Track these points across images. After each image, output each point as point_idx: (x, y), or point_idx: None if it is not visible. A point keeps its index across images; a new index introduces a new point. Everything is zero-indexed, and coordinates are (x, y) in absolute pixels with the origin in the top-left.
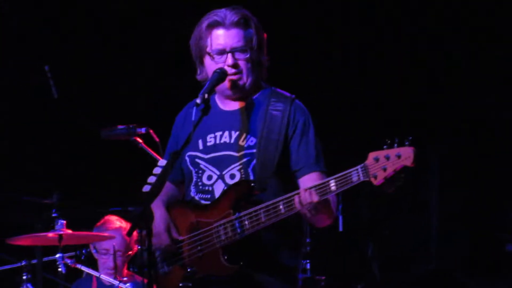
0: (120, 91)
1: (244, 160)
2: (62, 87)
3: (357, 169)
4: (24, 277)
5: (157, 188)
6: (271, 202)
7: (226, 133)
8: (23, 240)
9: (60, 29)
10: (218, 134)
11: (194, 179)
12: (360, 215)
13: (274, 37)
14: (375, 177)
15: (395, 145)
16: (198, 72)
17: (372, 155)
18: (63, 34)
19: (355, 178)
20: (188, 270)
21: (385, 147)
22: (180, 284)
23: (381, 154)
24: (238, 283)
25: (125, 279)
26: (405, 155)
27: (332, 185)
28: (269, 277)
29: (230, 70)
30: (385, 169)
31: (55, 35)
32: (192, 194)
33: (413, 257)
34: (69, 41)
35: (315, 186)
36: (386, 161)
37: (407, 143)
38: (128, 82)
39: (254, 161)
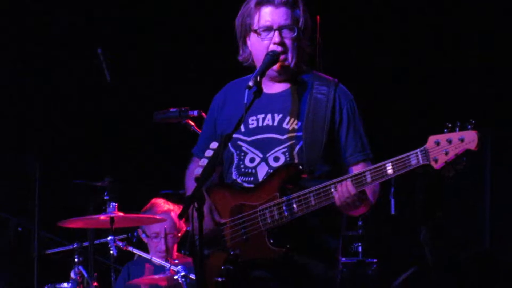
0: (170, 75)
1: (289, 143)
2: (114, 70)
3: (416, 153)
4: (76, 260)
5: (208, 171)
6: (322, 185)
7: (269, 115)
8: (75, 223)
9: (112, 12)
10: (261, 116)
11: (236, 162)
12: (413, 198)
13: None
14: (436, 161)
15: (457, 129)
16: (241, 52)
17: (432, 139)
18: (115, 18)
19: (414, 162)
20: (231, 253)
21: (446, 130)
22: (223, 267)
23: (442, 137)
24: (283, 266)
25: (176, 261)
26: (468, 138)
27: (389, 168)
28: (313, 259)
29: (276, 48)
30: (447, 153)
31: (107, 19)
32: (233, 176)
33: (466, 240)
34: (120, 23)
35: (369, 170)
36: (448, 145)
37: (469, 126)
38: (180, 65)
39: (300, 144)
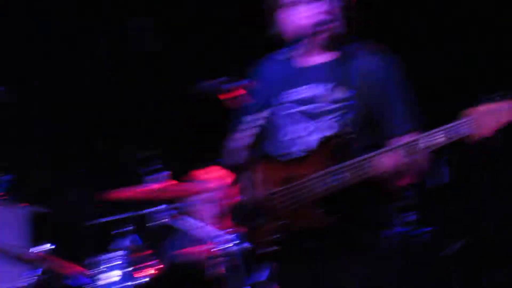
0: (210, 46)
1: (339, 112)
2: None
3: (466, 121)
4: (129, 229)
5: (252, 141)
6: (372, 154)
7: (319, 85)
8: (128, 192)
9: None
10: (310, 86)
11: (283, 132)
12: (467, 167)
13: None
14: (486, 129)
15: (499, 97)
16: (274, 25)
17: (480, 108)
18: None
19: (464, 130)
20: (282, 223)
21: (497, 98)
22: (274, 237)
23: (493, 106)
24: (333, 235)
25: (227, 230)
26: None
27: (441, 136)
28: (364, 229)
29: (323, 17)
30: (497, 121)
31: None
32: (284, 145)
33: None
34: None
35: (421, 138)
36: (497, 113)
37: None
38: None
39: (350, 113)
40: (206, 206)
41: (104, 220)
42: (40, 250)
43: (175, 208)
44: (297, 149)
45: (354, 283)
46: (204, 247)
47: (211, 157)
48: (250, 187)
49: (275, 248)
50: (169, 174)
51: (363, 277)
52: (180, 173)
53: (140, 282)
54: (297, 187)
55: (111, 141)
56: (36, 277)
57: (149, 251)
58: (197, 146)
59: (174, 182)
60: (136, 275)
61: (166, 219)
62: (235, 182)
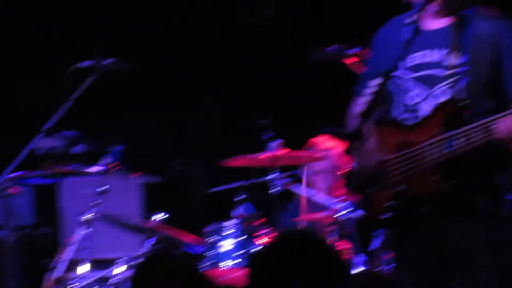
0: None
1: (453, 78)
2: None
3: None
4: (241, 198)
5: (370, 108)
6: (486, 120)
7: (432, 51)
8: (240, 161)
9: None
10: (423, 52)
11: (398, 99)
12: None
13: None
14: None
15: None
16: None
17: None
18: None
19: None
20: (397, 189)
21: None
22: (388, 204)
23: None
24: (448, 201)
25: (340, 198)
26: None
27: None
28: (478, 195)
29: None
30: None
31: None
32: (396, 113)
33: None
34: None
35: None
36: None
37: None
38: None
39: (463, 80)
40: (320, 174)
41: (218, 189)
42: (155, 219)
43: (289, 176)
44: (411, 116)
45: (472, 248)
46: (318, 215)
47: (321, 127)
48: (364, 154)
49: (390, 214)
50: (283, 142)
51: (481, 242)
52: (292, 142)
53: (253, 250)
54: (412, 153)
55: (228, 108)
56: (151, 247)
57: (263, 220)
58: (307, 115)
59: (288, 150)
60: (251, 243)
61: (280, 188)
62: (349, 150)
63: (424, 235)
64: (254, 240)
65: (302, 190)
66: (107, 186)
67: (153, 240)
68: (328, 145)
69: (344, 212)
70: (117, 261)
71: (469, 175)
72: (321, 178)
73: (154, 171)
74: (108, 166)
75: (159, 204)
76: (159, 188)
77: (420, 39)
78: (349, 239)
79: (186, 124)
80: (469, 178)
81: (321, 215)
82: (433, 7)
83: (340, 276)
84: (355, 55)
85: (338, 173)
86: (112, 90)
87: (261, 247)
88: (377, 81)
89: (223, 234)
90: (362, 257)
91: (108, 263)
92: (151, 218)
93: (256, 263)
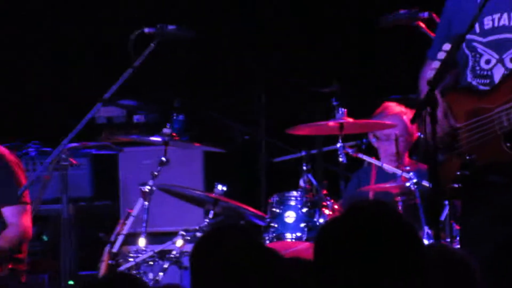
0: None
1: None
2: None
3: None
4: (304, 168)
5: (441, 74)
6: None
7: (506, 14)
8: (303, 130)
9: None
10: (497, 16)
11: (470, 64)
12: None
13: None
14: None
15: None
16: None
17: None
18: None
19: None
20: (467, 158)
21: None
22: (458, 173)
23: None
24: None
25: (407, 168)
26: None
27: None
28: None
29: None
30: None
31: None
32: (468, 79)
33: None
34: None
35: None
36: None
37: None
38: None
39: None
40: (385, 143)
41: (283, 158)
42: (217, 190)
43: (357, 146)
44: (484, 81)
45: None
46: (386, 185)
47: (389, 93)
48: (434, 121)
49: (458, 185)
50: (346, 111)
51: None
52: (357, 110)
53: (319, 222)
54: (482, 121)
55: (293, 73)
56: (211, 220)
57: (324, 191)
58: (374, 82)
59: (350, 119)
60: (316, 214)
61: (343, 159)
62: (415, 118)
63: (493, 206)
64: (319, 211)
65: (369, 159)
66: (168, 156)
67: (211, 213)
68: (397, 109)
69: (412, 181)
70: (179, 233)
71: None
72: (389, 144)
73: (216, 140)
74: (170, 136)
75: (222, 175)
76: (222, 158)
77: (496, 1)
78: (415, 210)
79: (249, 91)
80: None
81: (389, 185)
82: None
83: (415, 252)
84: (428, 18)
85: (406, 139)
86: (176, 58)
87: (329, 219)
88: (450, 44)
89: (287, 204)
90: (428, 229)
91: (167, 236)
92: (213, 189)
93: (323, 236)
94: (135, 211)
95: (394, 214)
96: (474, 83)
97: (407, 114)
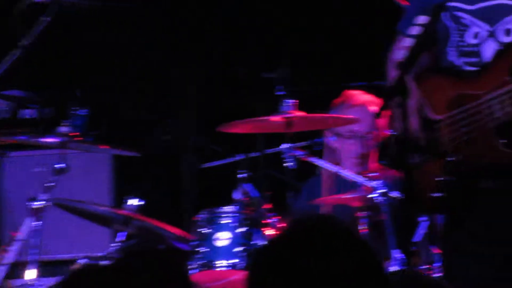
0: None
1: None
2: None
3: None
4: (242, 176)
5: (415, 53)
6: None
7: None
8: (240, 127)
9: None
10: None
11: (454, 38)
12: None
13: None
14: None
15: None
16: None
17: None
18: None
19: None
20: (451, 159)
21: None
22: (440, 179)
23: None
24: None
25: (373, 174)
26: None
27: None
28: None
29: None
30: None
31: None
32: (450, 58)
33: None
34: None
35: None
36: None
37: None
38: None
39: None
40: (347, 142)
41: (214, 164)
42: (129, 206)
43: (308, 146)
44: (469, 61)
45: None
46: (345, 196)
47: (350, 80)
48: (403, 115)
49: (440, 195)
50: (295, 103)
51: None
52: (310, 102)
53: (256, 246)
54: (469, 111)
55: (228, 58)
56: (120, 244)
57: (267, 206)
58: (330, 66)
59: (301, 113)
60: (256, 235)
61: (291, 163)
62: (382, 110)
63: (485, 221)
64: (260, 232)
65: (324, 164)
66: (66, 162)
67: (124, 234)
68: (362, 99)
69: (378, 192)
70: (79, 262)
71: None
72: (352, 142)
73: (129, 142)
74: (68, 136)
75: (135, 186)
76: (136, 164)
77: None
78: (380, 230)
79: (171, 80)
80: None
81: (349, 196)
82: None
83: (375, 281)
84: None
85: (375, 137)
86: (75, 37)
87: (267, 241)
88: (427, 16)
89: (219, 223)
90: (398, 253)
91: (64, 266)
92: (124, 204)
93: (258, 263)
94: (21, 234)
95: (347, 234)
96: (458, 63)
97: (375, 104)
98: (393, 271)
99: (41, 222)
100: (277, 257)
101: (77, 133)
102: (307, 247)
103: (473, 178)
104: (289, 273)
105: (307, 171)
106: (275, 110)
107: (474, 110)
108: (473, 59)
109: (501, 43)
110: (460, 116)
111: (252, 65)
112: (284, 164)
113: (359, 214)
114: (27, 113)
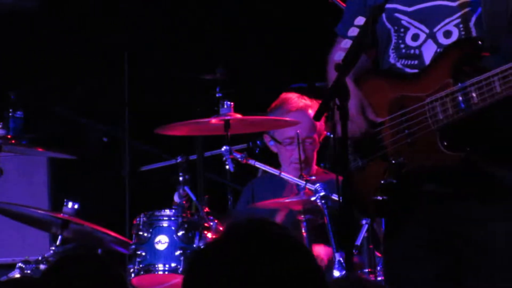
0: None
1: (464, 11)
2: None
3: None
4: (181, 178)
5: (354, 55)
6: (509, 65)
7: None
8: (179, 129)
9: None
10: None
11: (394, 41)
12: None
13: None
14: None
15: None
16: None
17: None
18: None
19: None
20: (393, 162)
21: None
22: (382, 182)
23: None
24: (462, 176)
25: (313, 178)
26: None
27: None
28: (502, 166)
29: None
30: None
31: None
32: (391, 60)
33: None
34: None
35: None
36: None
37: None
38: None
39: (477, 13)
40: (287, 148)
41: (151, 167)
42: (64, 210)
43: (242, 151)
44: (410, 64)
45: (492, 240)
46: (284, 200)
47: (288, 82)
48: (342, 117)
49: (383, 198)
50: (233, 105)
51: (505, 231)
52: (248, 104)
53: (193, 250)
54: (411, 113)
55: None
56: (58, 247)
57: (206, 209)
58: (269, 67)
59: (239, 115)
60: (195, 240)
61: (230, 166)
62: (320, 113)
63: (428, 225)
64: (199, 235)
65: (264, 167)
66: (1, 165)
67: (64, 238)
68: (301, 103)
69: (319, 195)
70: (17, 266)
71: (486, 140)
72: (292, 148)
73: (66, 144)
74: (3, 139)
75: (73, 189)
76: (73, 167)
77: None
78: (319, 234)
79: (109, 80)
80: (486, 144)
81: (290, 199)
82: None
83: (314, 287)
84: None
85: (314, 141)
86: (12, 37)
87: (202, 245)
88: (366, 17)
89: (159, 227)
90: (338, 257)
91: (1, 270)
92: (62, 208)
93: (193, 267)
94: None
95: (285, 238)
96: (398, 65)
97: (313, 107)
98: (337, 277)
99: None
100: (211, 262)
101: (12, 136)
102: (243, 251)
103: (415, 181)
104: (223, 279)
105: (248, 174)
106: (214, 113)
107: (416, 112)
108: (414, 62)
109: (441, 45)
110: (402, 118)
111: (190, 66)
112: (224, 167)
113: (301, 217)
114: None
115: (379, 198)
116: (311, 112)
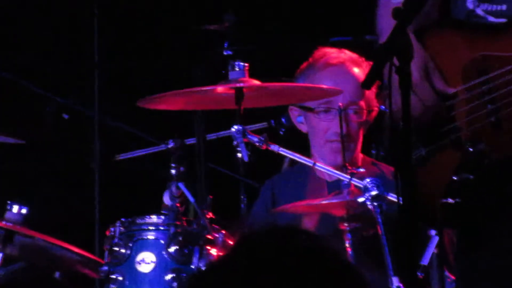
0: None
1: None
2: None
3: None
4: (173, 172)
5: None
6: None
7: None
8: (170, 102)
9: None
10: None
11: None
12: None
13: None
14: None
15: None
16: None
17: None
18: None
19: None
20: (470, 150)
21: None
22: (455, 178)
23: None
24: None
25: (361, 169)
26: None
27: None
28: None
29: None
30: None
31: None
32: (468, 5)
33: None
34: None
35: None
36: None
37: None
38: None
39: None
40: (322, 118)
41: (132, 154)
42: (7, 217)
43: (260, 131)
44: (494, 10)
45: None
46: (320, 201)
47: (326, 35)
48: (403, 85)
49: (455, 200)
50: (247, 67)
51: None
52: (269, 67)
53: (192, 272)
54: (496, 81)
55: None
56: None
57: (210, 214)
58: (298, 20)
59: (255, 81)
60: (192, 257)
61: (244, 154)
62: (371, 78)
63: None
64: (199, 251)
65: (291, 155)
66: None
67: (7, 255)
68: (341, 58)
69: (369, 194)
70: None
71: None
72: (330, 119)
73: (12, 123)
74: None
75: (21, 186)
76: (21, 156)
77: None
78: (377, 247)
79: (75, 35)
80: None
81: (328, 201)
82: None
83: None
84: None
85: (360, 111)
86: None
87: (204, 267)
88: None
89: (142, 240)
90: (395, 282)
91: None
92: (4, 213)
93: None
94: None
95: (329, 253)
96: (478, 11)
97: (360, 67)
98: None
99: None
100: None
101: None
102: (262, 276)
103: (501, 176)
104: None
105: (267, 166)
106: (221, 78)
107: (503, 79)
108: (501, 7)
109: None
110: (483, 88)
111: (187, 12)
112: (235, 155)
113: (344, 226)
114: None
115: (450, 200)
116: (357, 71)
